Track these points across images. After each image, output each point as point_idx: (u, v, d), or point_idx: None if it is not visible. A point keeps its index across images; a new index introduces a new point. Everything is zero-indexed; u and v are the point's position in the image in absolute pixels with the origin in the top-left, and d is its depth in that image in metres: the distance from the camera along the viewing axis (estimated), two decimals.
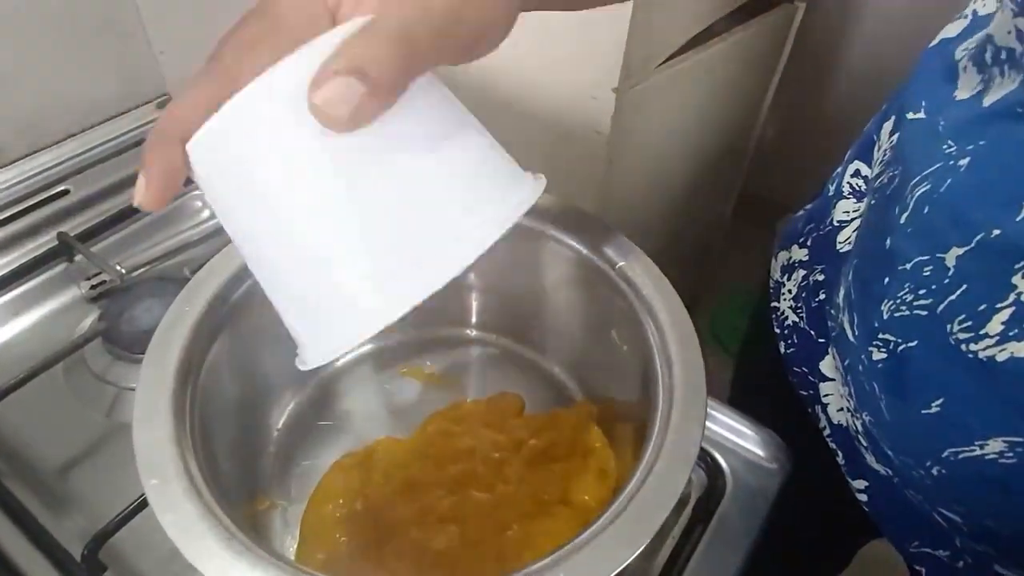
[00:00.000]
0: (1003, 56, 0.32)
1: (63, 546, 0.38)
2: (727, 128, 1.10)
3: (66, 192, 0.57)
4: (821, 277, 0.46)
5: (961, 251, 0.32)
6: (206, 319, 0.35)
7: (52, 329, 0.50)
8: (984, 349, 0.31)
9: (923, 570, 0.42)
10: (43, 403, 0.45)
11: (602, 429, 0.40)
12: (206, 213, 0.60)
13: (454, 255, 0.23)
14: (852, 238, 0.43)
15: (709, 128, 1.06)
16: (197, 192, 0.61)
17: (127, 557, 0.38)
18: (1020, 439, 0.30)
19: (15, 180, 0.57)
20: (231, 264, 0.37)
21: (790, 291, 0.49)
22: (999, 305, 0.30)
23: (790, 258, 0.49)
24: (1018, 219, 0.29)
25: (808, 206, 0.50)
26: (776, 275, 0.51)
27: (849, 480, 0.44)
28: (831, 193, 0.46)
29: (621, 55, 0.77)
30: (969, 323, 0.31)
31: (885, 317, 0.35)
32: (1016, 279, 0.29)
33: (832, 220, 0.45)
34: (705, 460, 0.43)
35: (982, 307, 0.31)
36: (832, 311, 0.43)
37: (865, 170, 0.44)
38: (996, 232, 0.30)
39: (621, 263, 0.37)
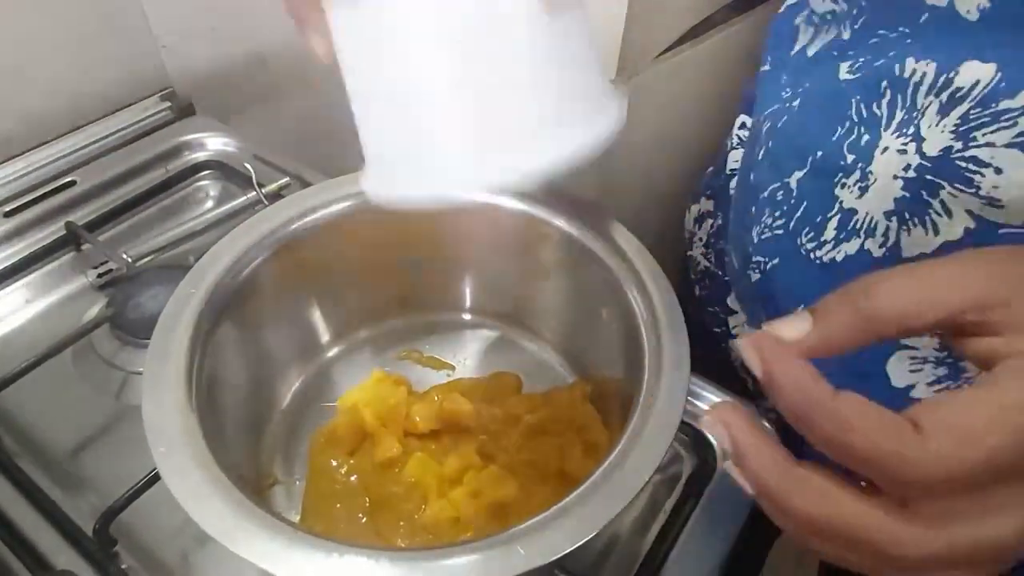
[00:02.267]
0: (828, 17, 0.38)
1: (75, 522, 0.39)
2: (727, 120, 1.11)
3: (73, 183, 0.59)
4: (720, 222, 0.51)
5: (800, 174, 0.38)
6: (211, 300, 0.36)
7: (60, 317, 0.52)
8: (826, 253, 0.37)
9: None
10: (53, 388, 0.47)
11: (595, 406, 0.41)
12: (210, 203, 0.62)
13: (546, 154, 0.24)
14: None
15: (708, 119, 1.06)
16: (202, 183, 0.63)
17: (137, 532, 0.40)
18: None
19: (23, 171, 0.59)
20: (235, 248, 0.39)
21: (700, 239, 0.54)
22: (829, 215, 0.36)
23: (699, 209, 0.55)
24: (834, 138, 0.35)
25: (714, 166, 0.55)
26: (689, 226, 0.56)
27: (758, 401, 0.47)
28: (727, 147, 0.51)
29: (618, 46, 0.78)
30: (812, 233, 0.37)
31: (755, 242, 0.41)
32: (838, 191, 0.36)
33: (726, 169, 0.51)
34: (695, 438, 0.44)
35: (818, 219, 0.37)
36: (725, 248, 0.49)
37: (749, 121, 0.49)
38: (819, 153, 0.36)
39: (609, 243, 0.39)
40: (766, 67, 0.44)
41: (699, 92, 0.98)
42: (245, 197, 0.59)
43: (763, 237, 0.40)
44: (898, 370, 0.36)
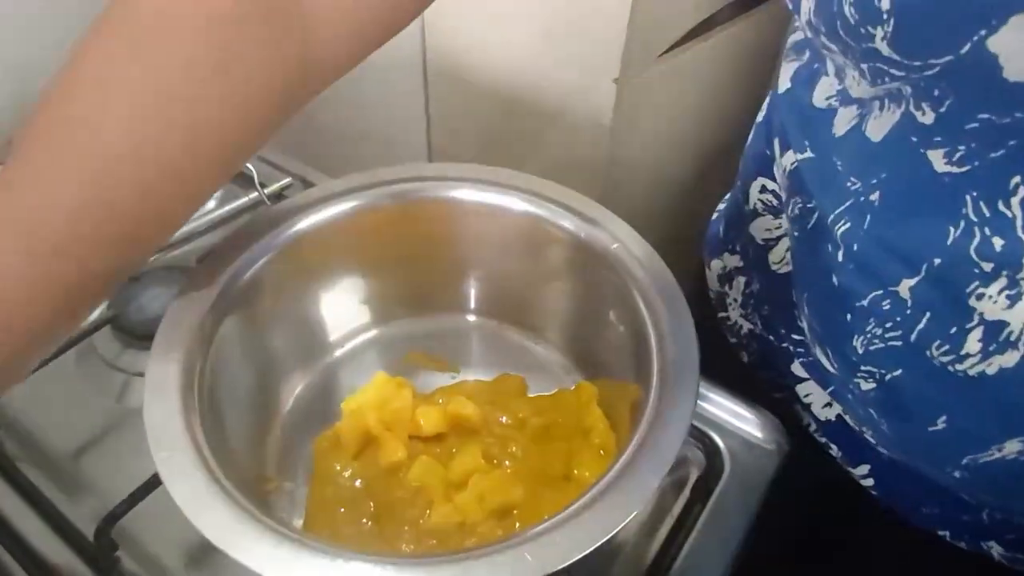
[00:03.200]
0: (881, 92, 0.32)
1: (76, 526, 0.39)
2: (730, 118, 1.11)
3: None
4: (758, 287, 0.46)
5: (912, 282, 0.32)
6: (213, 302, 0.36)
7: None
8: (971, 367, 0.31)
9: (946, 533, 0.42)
10: (55, 390, 0.46)
11: (602, 409, 0.40)
12: (212, 203, 0.61)
13: None
14: (787, 258, 0.43)
15: (712, 118, 1.06)
16: None
17: (139, 537, 0.39)
18: None
19: None
20: (237, 250, 0.38)
21: (735, 299, 0.49)
22: (968, 326, 0.31)
23: (724, 267, 0.49)
24: (949, 242, 0.30)
25: (721, 206, 0.50)
26: (716, 286, 0.51)
27: (849, 469, 0.45)
28: (747, 208, 0.46)
29: (622, 45, 0.78)
30: (947, 347, 0.32)
31: (861, 352, 0.36)
32: (972, 302, 0.30)
33: (756, 238, 0.45)
34: (703, 441, 0.44)
35: (953, 330, 0.31)
36: (795, 336, 0.43)
37: (771, 185, 0.44)
38: (937, 261, 0.31)
39: (616, 244, 0.38)
40: (808, 153, 0.38)
41: (702, 91, 0.98)
42: (247, 197, 0.58)
43: (873, 348, 0.35)
44: None
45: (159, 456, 0.30)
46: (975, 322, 0.31)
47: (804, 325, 0.41)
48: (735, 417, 0.45)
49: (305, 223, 0.40)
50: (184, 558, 0.39)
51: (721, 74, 0.99)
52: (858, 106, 0.34)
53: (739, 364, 0.51)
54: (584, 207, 0.40)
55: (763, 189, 0.44)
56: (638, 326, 0.36)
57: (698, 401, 0.45)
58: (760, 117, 0.46)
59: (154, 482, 0.37)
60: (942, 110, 0.29)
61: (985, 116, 0.27)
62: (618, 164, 0.88)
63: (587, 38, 0.79)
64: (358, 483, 0.38)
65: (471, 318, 0.48)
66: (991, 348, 0.30)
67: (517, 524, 0.36)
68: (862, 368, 0.36)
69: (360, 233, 0.42)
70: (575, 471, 0.38)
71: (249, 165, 0.58)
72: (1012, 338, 0.30)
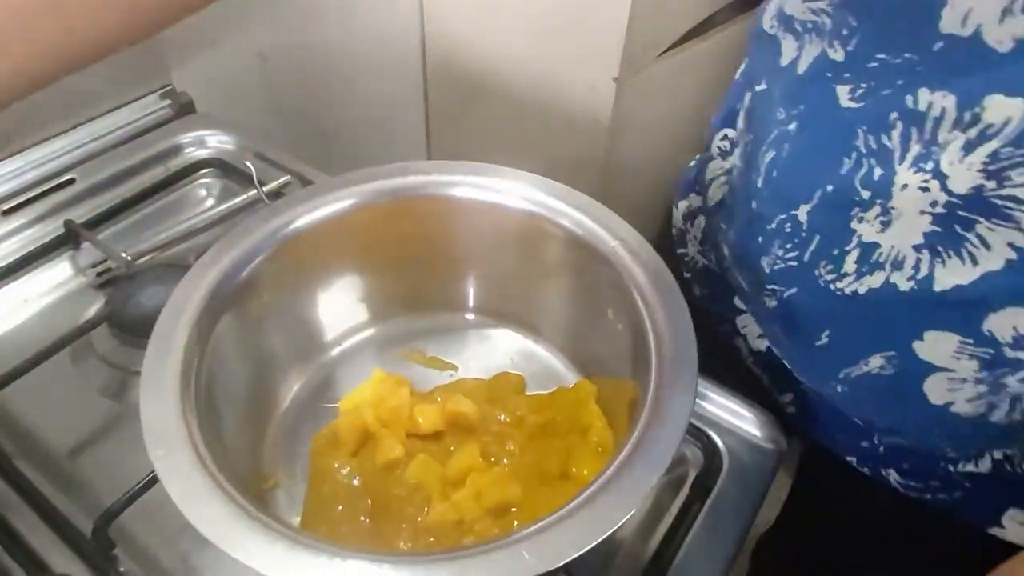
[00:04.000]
0: (809, 26, 0.36)
1: (73, 524, 0.39)
2: None
3: (72, 181, 0.58)
4: (711, 223, 0.51)
5: (808, 207, 0.36)
6: (211, 299, 0.36)
7: (59, 316, 0.51)
8: (847, 285, 0.36)
9: (853, 459, 0.46)
10: (52, 388, 0.46)
11: (600, 407, 0.40)
12: (211, 201, 0.61)
13: None
14: (717, 195, 0.49)
15: (711, 117, 1.06)
16: (203, 181, 0.62)
17: (136, 535, 0.39)
18: (892, 352, 0.36)
19: (21, 169, 0.58)
20: (235, 247, 0.38)
21: (695, 236, 0.53)
22: (847, 248, 0.35)
23: (689, 206, 0.54)
24: (842, 172, 0.34)
25: (699, 156, 0.54)
26: (679, 223, 0.55)
27: (777, 397, 0.49)
28: (708, 154, 0.51)
29: (621, 44, 0.78)
30: (831, 266, 0.36)
31: (767, 271, 0.40)
32: (854, 224, 0.34)
33: (706, 178, 0.51)
34: (702, 440, 0.44)
35: (836, 252, 0.36)
36: (725, 264, 0.48)
37: (731, 134, 0.49)
38: (829, 188, 0.35)
39: (615, 242, 0.38)
40: (763, 85, 0.42)
41: (701, 90, 0.98)
42: (246, 195, 0.58)
43: (776, 267, 0.39)
44: (936, 390, 0.35)
45: (156, 454, 0.29)
46: (853, 244, 0.35)
47: (727, 251, 0.46)
48: (733, 416, 0.45)
49: (302, 221, 0.40)
50: (182, 556, 0.39)
51: (720, 73, 0.99)
52: (795, 38, 0.38)
53: (738, 363, 0.52)
54: (583, 204, 0.40)
55: (724, 137, 0.49)
56: (636, 324, 0.36)
57: (697, 400, 0.45)
58: (738, 75, 0.49)
59: (151, 480, 0.37)
60: (850, 48, 0.33)
61: (882, 56, 0.31)
62: (617, 162, 0.88)
63: (587, 37, 0.79)
64: (356, 481, 0.38)
65: (469, 316, 0.48)
66: (863, 269, 0.35)
67: (515, 522, 0.36)
68: (767, 287, 0.41)
69: (358, 231, 0.42)
70: (573, 469, 0.38)
71: (248, 162, 0.58)
72: (880, 259, 0.34)
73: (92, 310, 0.51)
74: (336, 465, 0.39)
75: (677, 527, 0.40)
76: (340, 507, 0.37)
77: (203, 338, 0.35)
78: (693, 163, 0.54)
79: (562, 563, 0.27)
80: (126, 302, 0.49)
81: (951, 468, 0.41)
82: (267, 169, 0.60)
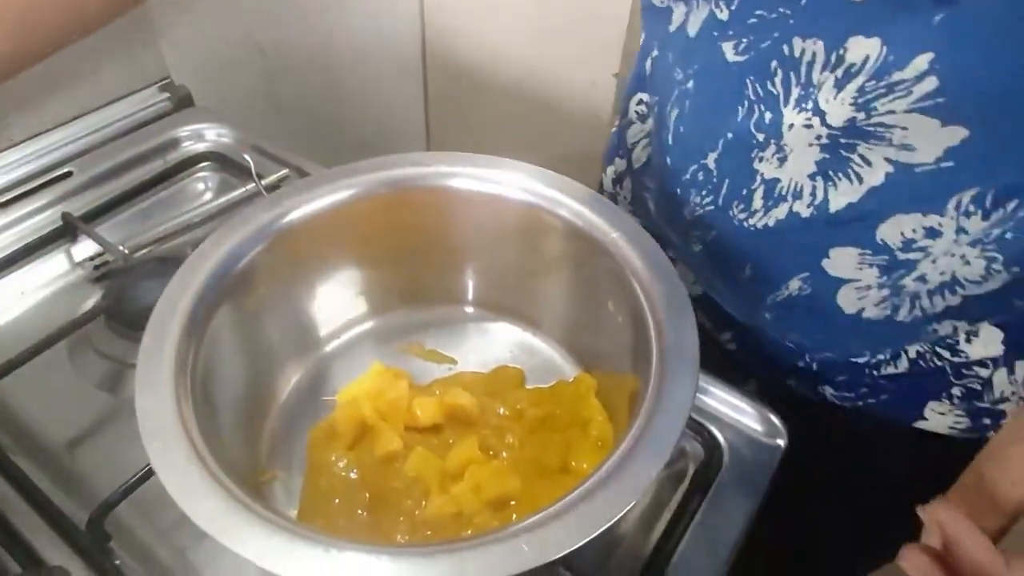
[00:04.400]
0: None
1: (68, 517, 0.38)
2: None
3: (69, 174, 0.58)
4: (638, 184, 0.54)
5: (715, 155, 0.40)
6: (207, 291, 0.36)
7: (56, 309, 0.51)
8: (758, 220, 0.40)
9: (792, 382, 0.51)
10: (48, 381, 0.46)
11: (600, 401, 0.40)
12: (209, 195, 0.61)
13: None
14: (642, 156, 0.52)
15: None
16: (201, 174, 0.62)
17: (132, 528, 0.39)
18: (806, 274, 0.40)
19: (19, 161, 0.58)
20: (231, 239, 0.38)
21: (625, 198, 0.57)
22: (753, 187, 0.39)
23: (616, 170, 0.57)
24: (738, 119, 0.37)
25: (619, 121, 0.57)
26: (609, 187, 0.59)
27: (718, 337, 0.53)
28: (627, 120, 0.54)
29: (622, 41, 0.78)
30: (742, 206, 0.40)
31: (689, 219, 0.44)
32: (756, 164, 0.38)
33: (629, 142, 0.54)
34: (702, 434, 0.43)
35: (744, 192, 0.39)
36: (653, 219, 0.51)
37: (645, 98, 0.52)
38: (729, 135, 0.38)
39: (616, 233, 0.38)
40: (656, 52, 0.46)
41: None
42: (244, 189, 0.58)
43: (696, 214, 0.43)
44: (847, 301, 0.40)
45: (151, 446, 0.29)
46: (758, 183, 0.38)
47: (652, 207, 0.50)
48: (734, 410, 0.45)
49: (299, 212, 0.40)
50: (179, 550, 0.38)
51: None
52: (684, 4, 0.41)
53: (736, 355, 0.52)
54: (582, 195, 0.40)
55: (639, 102, 0.52)
56: (637, 315, 0.36)
57: (698, 394, 0.45)
58: (642, 40, 0.52)
59: (147, 473, 0.37)
60: (733, 7, 0.36)
61: (760, 12, 0.35)
62: None
63: (587, 33, 0.79)
64: (353, 474, 0.37)
65: (468, 309, 0.47)
66: (769, 203, 0.39)
67: (514, 515, 0.36)
68: (692, 234, 0.44)
69: (356, 222, 0.42)
70: (573, 463, 0.38)
71: (246, 156, 0.58)
72: (782, 192, 0.38)
73: (89, 303, 0.51)
74: (333, 458, 0.38)
75: (677, 521, 0.40)
76: (337, 500, 0.37)
77: (199, 330, 0.34)
78: (615, 129, 0.58)
79: (560, 555, 0.26)
80: (123, 295, 0.48)
81: (875, 373, 0.45)
82: (265, 163, 0.60)
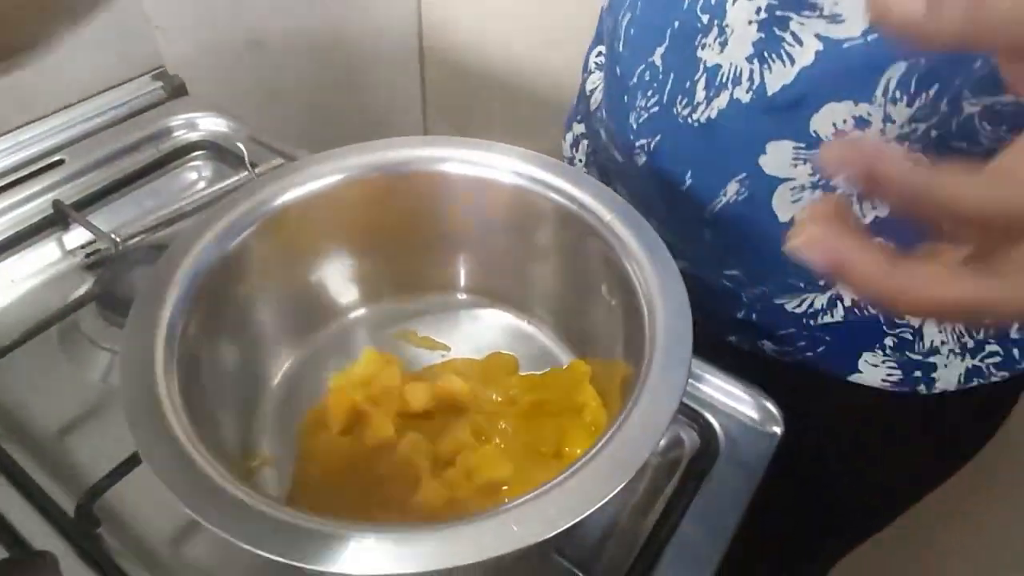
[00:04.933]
0: None
1: (57, 503, 0.38)
2: None
3: (61, 162, 0.57)
4: (594, 144, 0.54)
5: (662, 49, 0.41)
6: (195, 274, 0.35)
7: (47, 297, 0.50)
8: (701, 114, 0.40)
9: (733, 338, 0.51)
10: (39, 368, 0.46)
11: (594, 387, 0.40)
12: (202, 184, 0.61)
13: None
14: (598, 98, 0.52)
15: None
16: (194, 163, 0.61)
17: (123, 514, 0.38)
18: (743, 174, 0.40)
19: (10, 149, 0.57)
20: (220, 221, 0.38)
21: (580, 160, 0.58)
22: (696, 77, 0.39)
23: (574, 135, 0.58)
24: (685, 7, 0.39)
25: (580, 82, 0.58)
26: (568, 152, 0.60)
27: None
28: (585, 74, 0.55)
29: None
30: (685, 99, 0.40)
31: (635, 127, 0.44)
32: (700, 52, 0.39)
33: (586, 90, 0.54)
34: (698, 422, 0.43)
35: (687, 84, 0.40)
36: (604, 153, 0.51)
37: (603, 49, 0.53)
38: (676, 23, 0.40)
39: (610, 216, 0.37)
40: None
41: None
42: (237, 178, 0.57)
43: (641, 120, 0.43)
44: (782, 205, 0.40)
45: (135, 425, 0.29)
46: (700, 72, 0.39)
47: (604, 136, 0.50)
48: (730, 398, 0.45)
49: (290, 195, 0.39)
50: (170, 536, 0.38)
51: None
52: None
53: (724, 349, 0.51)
54: (575, 178, 0.40)
55: (598, 54, 0.53)
56: (630, 300, 0.35)
57: (694, 382, 0.45)
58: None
59: (137, 458, 0.37)
60: None
61: None
62: None
63: (586, 26, 0.78)
64: (344, 460, 0.37)
65: (461, 296, 0.47)
66: (711, 93, 0.39)
67: (507, 501, 0.35)
68: (636, 144, 0.44)
69: (347, 207, 0.41)
70: (567, 448, 0.37)
71: (239, 144, 0.58)
72: (723, 79, 0.38)
73: (81, 291, 0.50)
74: (324, 444, 0.38)
75: (672, 509, 0.39)
76: (328, 486, 0.36)
77: (188, 311, 0.34)
78: (574, 98, 0.59)
79: (551, 534, 0.26)
80: (114, 283, 0.48)
81: (812, 323, 0.45)
82: (259, 152, 0.59)
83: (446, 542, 0.26)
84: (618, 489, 0.27)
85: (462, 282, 0.47)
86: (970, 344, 0.43)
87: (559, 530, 0.26)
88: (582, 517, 0.26)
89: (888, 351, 0.44)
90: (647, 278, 0.35)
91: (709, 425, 0.43)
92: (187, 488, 0.27)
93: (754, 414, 0.44)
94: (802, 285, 0.44)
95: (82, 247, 0.53)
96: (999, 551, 0.87)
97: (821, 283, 0.44)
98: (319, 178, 0.40)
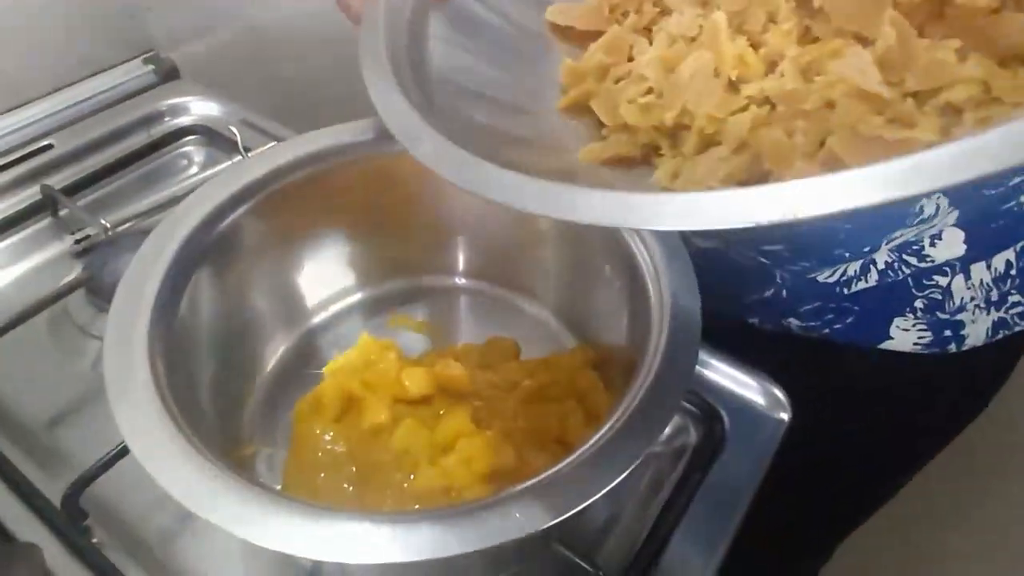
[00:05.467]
0: None
1: (43, 494, 0.37)
2: None
3: (50, 147, 0.56)
4: None
5: None
6: (183, 255, 0.34)
7: (36, 283, 0.49)
8: None
9: (756, 320, 0.49)
10: (27, 357, 0.45)
11: (597, 372, 0.39)
12: (195, 168, 0.59)
13: None
14: None
15: None
16: (186, 148, 0.60)
17: (111, 506, 0.37)
18: None
19: None
20: (211, 200, 0.36)
21: None
22: None
23: None
24: None
25: None
26: None
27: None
28: None
29: None
30: None
31: None
32: None
33: None
34: (703, 408, 0.42)
35: None
36: None
37: None
38: None
39: None
40: None
41: None
42: (230, 162, 0.56)
43: None
44: None
45: (120, 413, 0.27)
46: None
47: None
48: (736, 384, 0.43)
49: (283, 175, 0.38)
50: (160, 529, 0.37)
51: None
52: None
53: (740, 331, 0.50)
54: None
55: None
56: (635, 279, 0.34)
57: (699, 368, 0.44)
58: None
59: (125, 449, 0.35)
60: None
61: None
62: None
63: None
64: (339, 447, 0.36)
65: (460, 280, 0.46)
66: None
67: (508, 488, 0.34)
68: None
69: (342, 188, 0.40)
70: (568, 435, 0.36)
71: (232, 128, 0.56)
72: None
73: (70, 278, 0.49)
74: (318, 431, 0.37)
75: (676, 499, 0.38)
76: (323, 474, 0.35)
77: (177, 292, 0.33)
78: None
79: (554, 522, 0.25)
80: (103, 268, 0.47)
81: (844, 292, 0.44)
82: (253, 136, 0.58)
83: (449, 530, 0.24)
84: (622, 477, 0.26)
85: (461, 265, 0.45)
86: (995, 297, 0.43)
87: (562, 518, 0.25)
88: (585, 505, 0.25)
89: (919, 313, 0.44)
90: (653, 258, 0.34)
91: (715, 411, 0.42)
92: (176, 477, 0.26)
93: (761, 400, 0.43)
94: (847, 255, 0.43)
95: (72, 233, 0.51)
96: (1000, 550, 0.86)
97: (866, 249, 0.43)
98: (313, 157, 0.39)
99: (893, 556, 0.84)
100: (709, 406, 0.42)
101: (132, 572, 0.35)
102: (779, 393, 0.43)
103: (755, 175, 0.23)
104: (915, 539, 0.85)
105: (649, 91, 0.26)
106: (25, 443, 0.40)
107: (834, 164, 0.21)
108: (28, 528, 0.36)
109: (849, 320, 0.46)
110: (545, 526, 0.25)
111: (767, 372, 0.43)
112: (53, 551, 0.35)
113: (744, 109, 0.24)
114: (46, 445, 0.41)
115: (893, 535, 0.71)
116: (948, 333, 0.44)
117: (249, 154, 0.55)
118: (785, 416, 0.42)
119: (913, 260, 0.43)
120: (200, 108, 0.61)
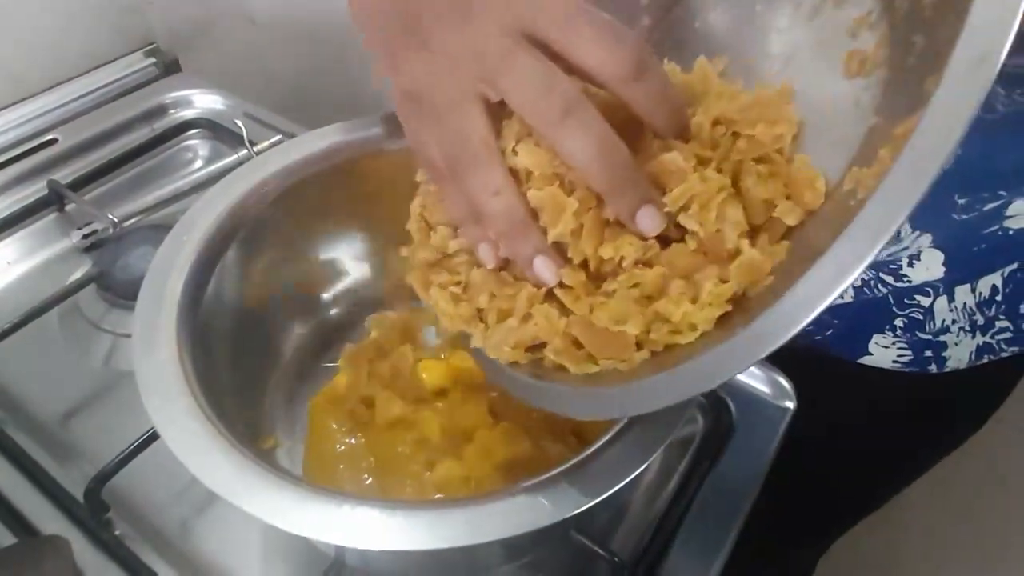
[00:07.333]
0: None
1: (66, 488, 0.37)
2: None
3: (54, 141, 0.56)
4: None
5: None
6: (204, 251, 0.34)
7: (45, 279, 0.49)
8: None
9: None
10: (40, 353, 0.45)
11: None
12: (199, 162, 0.59)
13: None
14: None
15: None
16: (191, 142, 0.60)
17: (131, 498, 0.38)
18: None
19: (1, 128, 0.56)
20: (228, 197, 0.36)
21: None
22: None
23: None
24: None
25: None
26: None
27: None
28: None
29: None
30: None
31: None
32: None
33: None
34: (709, 398, 0.43)
35: None
36: None
37: None
38: None
39: None
40: None
41: None
42: (236, 156, 0.56)
43: None
44: None
45: (152, 404, 0.28)
46: None
47: None
48: (743, 373, 0.44)
49: (299, 170, 0.38)
50: (179, 520, 0.37)
51: None
52: None
53: None
54: None
55: None
56: None
57: None
58: None
59: (145, 441, 0.36)
60: None
61: None
62: None
63: None
64: (357, 439, 0.37)
65: None
66: None
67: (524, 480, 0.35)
68: None
69: (358, 182, 0.40)
70: (584, 426, 0.37)
71: (238, 122, 0.56)
72: None
73: (79, 273, 0.49)
74: (336, 424, 0.37)
75: (685, 486, 0.39)
76: (341, 466, 0.36)
77: (200, 287, 0.33)
78: None
79: (581, 509, 0.26)
80: (114, 263, 0.47)
81: None
82: (257, 129, 0.58)
83: (476, 518, 0.25)
84: (644, 466, 0.27)
85: None
86: (980, 321, 0.43)
87: (589, 505, 0.26)
88: (610, 493, 0.26)
89: (899, 332, 0.44)
90: None
91: (722, 401, 0.43)
92: (209, 467, 0.26)
93: (766, 388, 0.44)
94: None
95: (79, 228, 0.51)
96: (999, 550, 0.87)
97: None
98: (328, 152, 0.39)
99: (889, 549, 0.85)
100: (716, 395, 0.43)
101: (155, 563, 0.35)
102: (784, 382, 0.44)
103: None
104: (912, 531, 0.85)
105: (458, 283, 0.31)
106: (42, 438, 0.41)
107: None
108: (51, 522, 0.36)
109: (829, 333, 0.46)
110: (572, 513, 0.25)
111: None
112: (77, 544, 0.35)
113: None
114: (62, 439, 0.41)
115: (888, 527, 0.72)
116: (929, 353, 0.44)
117: (255, 148, 0.55)
118: (790, 404, 0.43)
119: (890, 280, 0.43)
120: (203, 101, 0.61)
